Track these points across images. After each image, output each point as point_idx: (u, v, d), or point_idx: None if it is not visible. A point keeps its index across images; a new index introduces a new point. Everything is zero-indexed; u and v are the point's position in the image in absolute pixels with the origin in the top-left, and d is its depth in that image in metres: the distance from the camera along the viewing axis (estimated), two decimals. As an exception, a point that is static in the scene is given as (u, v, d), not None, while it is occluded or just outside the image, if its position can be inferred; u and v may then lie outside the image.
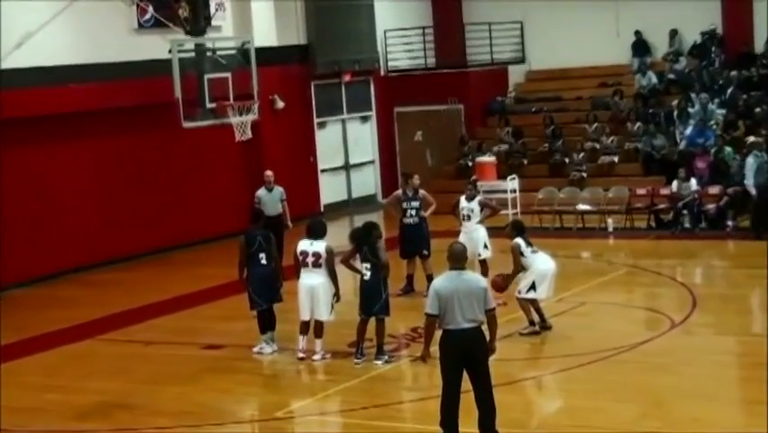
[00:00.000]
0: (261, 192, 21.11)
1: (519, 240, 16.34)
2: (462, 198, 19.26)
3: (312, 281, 15.57)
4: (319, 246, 15.55)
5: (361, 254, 15.38)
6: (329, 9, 29.68)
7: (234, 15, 27.30)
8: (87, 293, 22.27)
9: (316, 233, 15.70)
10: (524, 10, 32.65)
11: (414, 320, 16.30)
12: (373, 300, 15.24)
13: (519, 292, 16.39)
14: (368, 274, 15.26)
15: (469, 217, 19.15)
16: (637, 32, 31.29)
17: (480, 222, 19.25)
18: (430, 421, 11.94)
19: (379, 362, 15.26)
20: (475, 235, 18.81)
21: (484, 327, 11.54)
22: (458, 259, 11.61)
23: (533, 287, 16.28)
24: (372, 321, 15.40)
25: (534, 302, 16.45)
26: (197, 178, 26.58)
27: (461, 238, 18.16)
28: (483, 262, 18.84)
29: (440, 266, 16.19)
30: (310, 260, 15.54)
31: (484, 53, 32.34)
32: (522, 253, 16.28)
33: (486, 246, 19.07)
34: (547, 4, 32.18)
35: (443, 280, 11.56)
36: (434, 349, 11.64)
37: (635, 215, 25.36)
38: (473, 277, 11.71)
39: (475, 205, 19.18)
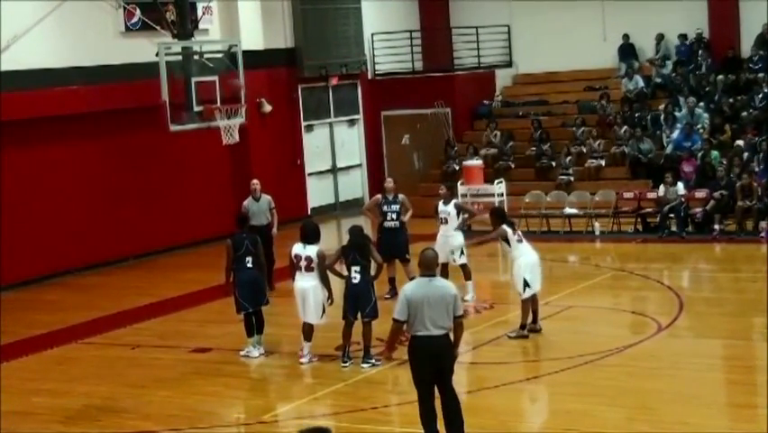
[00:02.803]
0: (248, 202, 20.43)
1: (505, 227, 16.36)
2: (440, 203, 19.05)
3: (304, 284, 15.59)
4: (311, 250, 15.55)
5: (347, 259, 15.37)
6: (316, 12, 29.68)
7: (221, 19, 27.30)
8: (73, 296, 22.23)
9: (309, 236, 15.70)
10: (511, 14, 32.72)
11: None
12: (364, 303, 15.24)
13: (521, 295, 16.39)
14: (357, 277, 15.27)
15: (446, 221, 18.88)
16: (625, 36, 31.33)
17: (459, 228, 19.08)
18: (416, 424, 11.93)
19: (366, 365, 15.26)
20: (452, 241, 18.58)
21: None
22: (429, 266, 11.55)
23: (527, 284, 16.28)
24: (358, 324, 15.41)
25: (534, 302, 16.46)
26: (184, 181, 26.55)
27: (439, 242, 18.15)
28: (464, 267, 18.73)
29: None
30: (303, 263, 15.55)
31: (471, 57, 32.37)
32: (508, 242, 16.29)
33: (462, 252, 18.90)
34: (534, 8, 32.23)
35: (414, 287, 11.49)
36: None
37: (622, 218, 25.42)
38: (444, 284, 11.62)
39: (451, 208, 18.87)
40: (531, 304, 16.46)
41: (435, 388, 11.49)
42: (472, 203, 26.62)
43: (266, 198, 20.63)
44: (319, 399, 14.34)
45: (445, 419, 11.51)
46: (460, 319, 11.48)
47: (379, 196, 19.86)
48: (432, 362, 11.30)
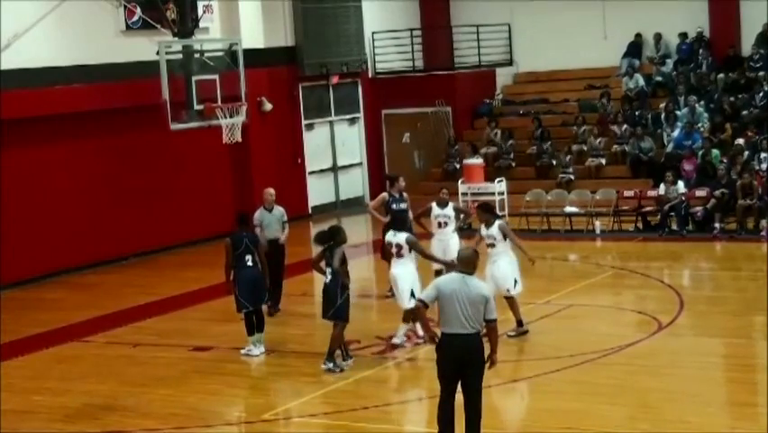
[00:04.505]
0: (261, 214, 18.57)
1: (500, 221, 16.40)
2: (434, 205, 18.42)
3: (395, 270, 15.98)
4: (401, 237, 15.91)
5: (325, 258, 15.41)
6: (317, 11, 29.68)
7: (222, 17, 27.28)
8: (74, 295, 22.22)
9: (397, 224, 16.29)
10: (511, 12, 32.70)
11: (401, 322, 16.29)
12: (329, 304, 15.27)
13: (508, 291, 16.37)
14: (328, 278, 15.32)
15: (446, 224, 18.33)
16: (638, 35, 31.28)
17: (456, 230, 18.89)
18: (417, 423, 11.95)
19: (324, 367, 15.18)
20: (452, 243, 18.09)
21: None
22: (467, 263, 11.44)
23: (516, 282, 16.30)
24: (354, 323, 15.48)
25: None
26: (185, 180, 26.53)
27: (436, 245, 17.84)
28: None
29: (423, 269, 16.27)
30: (394, 250, 15.96)
31: (472, 56, 32.35)
32: (505, 237, 16.30)
33: None
34: (535, 6, 32.22)
35: (447, 280, 11.51)
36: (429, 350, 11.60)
37: (623, 217, 25.40)
38: (478, 284, 11.47)
39: (450, 211, 18.38)
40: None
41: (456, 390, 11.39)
42: (472, 201, 26.63)
43: (279, 209, 18.76)
44: (320, 397, 14.33)
45: (466, 418, 11.39)
46: (492, 324, 11.36)
47: (385, 194, 19.73)
48: (456, 359, 11.22)
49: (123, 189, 25.18)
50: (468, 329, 11.18)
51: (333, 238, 15.33)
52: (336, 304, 15.19)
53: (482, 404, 11.43)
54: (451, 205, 18.68)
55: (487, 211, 16.91)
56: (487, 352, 11.40)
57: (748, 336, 16.46)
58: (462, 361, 11.25)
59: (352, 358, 15.46)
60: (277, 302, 18.94)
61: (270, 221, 18.59)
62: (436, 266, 17.24)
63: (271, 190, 19.03)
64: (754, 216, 23.62)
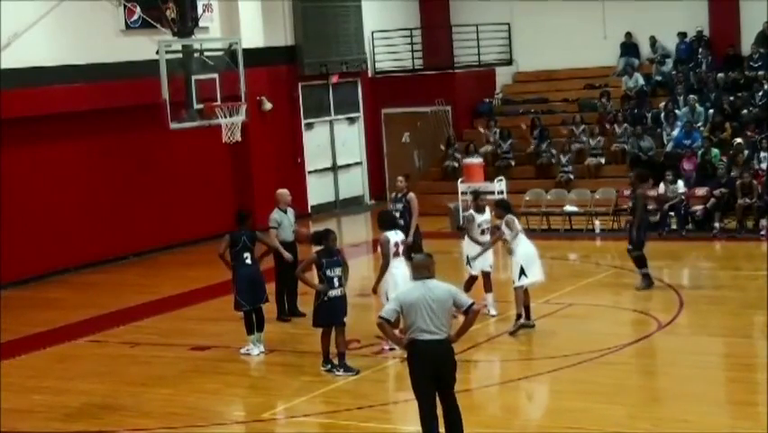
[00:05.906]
0: (279, 215, 18.20)
1: (511, 216, 16.53)
2: (474, 213, 17.58)
3: (403, 271, 15.39)
4: (401, 236, 15.93)
5: None
6: (316, 10, 29.69)
7: (222, 16, 27.29)
8: (74, 294, 22.23)
9: (392, 224, 16.09)
10: (511, 12, 32.70)
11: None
12: None
13: (514, 282, 16.40)
14: None
15: (488, 230, 17.57)
16: (628, 34, 31.32)
17: (457, 229, 18.68)
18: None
19: (323, 369, 15.19)
20: (491, 250, 17.59)
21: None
22: (421, 268, 11.26)
23: (523, 272, 16.28)
24: (354, 323, 15.56)
25: (526, 296, 16.46)
26: (184, 179, 26.54)
27: (473, 252, 17.22)
28: (488, 276, 17.59)
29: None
30: (401, 249, 15.74)
31: (471, 55, 32.35)
32: (511, 229, 16.34)
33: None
34: (534, 6, 32.21)
35: (408, 290, 11.34)
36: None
37: (623, 216, 25.36)
38: (440, 285, 11.20)
39: (488, 216, 17.62)
40: (525, 294, 16.48)
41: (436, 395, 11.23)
42: (472, 201, 26.61)
43: (291, 210, 18.50)
44: (319, 396, 14.33)
45: (446, 428, 11.26)
46: (470, 308, 11.09)
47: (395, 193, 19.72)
48: (431, 367, 11.02)
49: (123, 189, 25.20)
50: (439, 334, 10.96)
51: (320, 242, 15.29)
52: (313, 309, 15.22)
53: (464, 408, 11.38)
54: (488, 209, 17.86)
55: (497, 206, 17.05)
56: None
57: (748, 336, 16.47)
58: (437, 366, 11.05)
59: (352, 372, 14.99)
60: (295, 307, 18.47)
61: (288, 223, 18.30)
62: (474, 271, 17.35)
63: (287, 191, 18.73)
64: (754, 216, 23.62)
